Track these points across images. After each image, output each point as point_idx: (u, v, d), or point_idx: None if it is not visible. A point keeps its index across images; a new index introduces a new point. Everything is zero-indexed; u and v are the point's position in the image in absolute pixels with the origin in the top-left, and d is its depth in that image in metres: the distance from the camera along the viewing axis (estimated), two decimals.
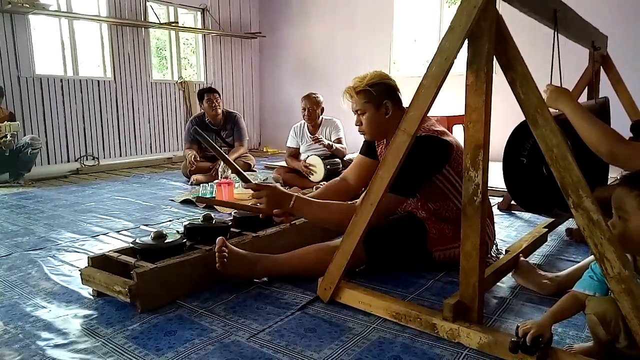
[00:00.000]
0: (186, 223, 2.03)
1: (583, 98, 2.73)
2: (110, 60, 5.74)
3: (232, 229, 2.09)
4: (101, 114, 5.67)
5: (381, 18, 6.26)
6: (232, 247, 1.81)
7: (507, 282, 1.87)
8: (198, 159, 4.33)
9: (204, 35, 6.79)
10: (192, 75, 7.18)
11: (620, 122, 2.24)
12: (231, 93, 7.27)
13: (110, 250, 1.84)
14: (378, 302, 1.57)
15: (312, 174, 3.96)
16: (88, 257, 1.79)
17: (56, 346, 1.40)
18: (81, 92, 5.46)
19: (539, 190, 1.80)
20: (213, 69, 6.96)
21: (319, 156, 3.98)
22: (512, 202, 3.02)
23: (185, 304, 1.68)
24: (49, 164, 5.21)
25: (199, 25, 6.75)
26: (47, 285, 1.89)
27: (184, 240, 1.86)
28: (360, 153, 2.32)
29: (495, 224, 2.18)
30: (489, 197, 2.48)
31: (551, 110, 1.34)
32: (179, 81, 6.54)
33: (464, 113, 1.39)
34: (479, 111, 1.35)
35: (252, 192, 1.86)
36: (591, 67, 2.65)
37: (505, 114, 2.64)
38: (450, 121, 4.29)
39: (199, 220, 2.04)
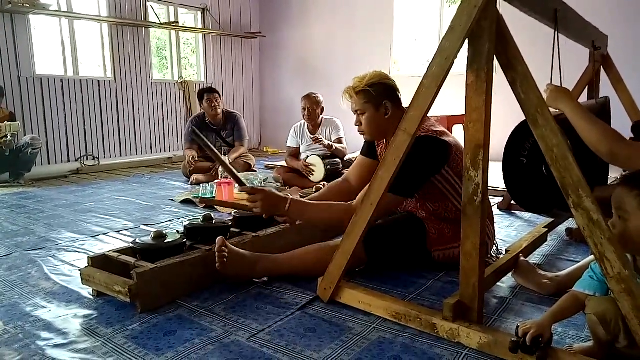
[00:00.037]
0: (186, 223, 2.03)
1: (583, 98, 2.73)
2: (111, 60, 5.74)
3: (232, 229, 2.09)
4: (101, 114, 5.67)
5: (381, 18, 6.26)
6: (232, 247, 1.81)
7: (507, 282, 1.87)
8: (197, 159, 4.33)
9: (204, 35, 6.79)
10: (192, 75, 7.18)
11: (621, 122, 2.24)
12: (231, 93, 7.28)
13: (110, 250, 1.84)
14: (378, 302, 1.57)
15: (312, 174, 3.96)
16: (88, 257, 1.79)
17: (56, 346, 1.40)
18: (81, 92, 5.46)
19: (539, 190, 1.80)
20: (213, 69, 6.96)
21: (319, 156, 3.98)
22: (512, 202, 3.02)
23: (185, 304, 1.68)
24: (49, 163, 5.21)
25: (199, 25, 6.75)
26: (47, 285, 1.89)
27: (184, 240, 1.86)
28: (361, 154, 2.33)
29: (495, 224, 2.18)
30: (489, 197, 2.47)
31: (551, 110, 1.34)
32: (179, 81, 6.54)
33: (464, 113, 1.39)
34: (479, 111, 1.35)
35: (251, 195, 1.84)
36: (591, 66, 2.65)
37: (506, 114, 2.64)
38: (451, 121, 4.29)
39: (199, 220, 2.04)
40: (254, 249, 1.92)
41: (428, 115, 1.53)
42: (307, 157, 4.07)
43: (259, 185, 3.64)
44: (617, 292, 1.14)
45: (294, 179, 4.01)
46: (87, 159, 5.49)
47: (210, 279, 1.82)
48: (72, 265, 2.11)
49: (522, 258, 1.91)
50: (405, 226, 1.96)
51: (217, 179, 3.38)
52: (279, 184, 3.86)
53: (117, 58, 5.77)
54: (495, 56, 1.34)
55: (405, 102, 1.73)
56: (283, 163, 4.51)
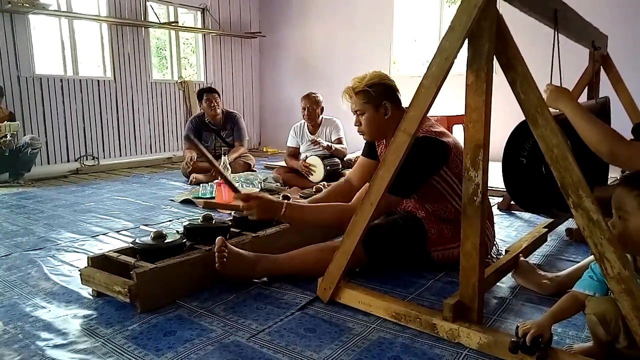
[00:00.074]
0: (186, 223, 2.03)
1: (583, 98, 2.73)
2: (110, 60, 5.74)
3: (231, 229, 2.09)
4: (101, 114, 5.67)
5: (381, 18, 6.26)
6: (232, 247, 1.81)
7: (507, 282, 1.87)
8: (196, 159, 4.32)
9: (204, 35, 6.79)
10: (192, 75, 7.18)
11: (620, 122, 2.24)
12: (231, 93, 7.27)
13: (110, 250, 1.83)
14: (378, 302, 1.57)
15: (312, 174, 3.96)
16: (88, 257, 1.79)
17: (56, 346, 1.40)
18: (81, 92, 5.46)
19: (538, 191, 1.80)
20: (213, 68, 6.96)
21: (318, 156, 3.98)
22: (512, 202, 3.02)
23: (185, 304, 1.67)
24: (48, 164, 5.21)
25: (199, 25, 6.75)
26: (47, 285, 1.89)
27: (184, 241, 1.86)
28: (362, 155, 2.35)
29: (495, 224, 2.18)
30: (489, 197, 2.47)
31: (551, 110, 1.34)
32: (179, 81, 6.54)
33: (464, 113, 1.39)
34: (479, 111, 1.35)
35: (246, 201, 1.83)
36: (591, 66, 2.65)
37: (506, 114, 2.64)
38: (451, 121, 4.29)
39: (199, 220, 2.03)
40: (254, 249, 1.92)
41: (428, 115, 1.53)
42: (307, 157, 4.07)
43: (259, 185, 3.64)
44: (617, 292, 1.14)
45: (294, 179, 4.01)
46: (86, 159, 5.49)
47: (210, 279, 1.82)
48: (71, 265, 2.11)
49: (522, 258, 1.91)
50: (404, 226, 1.96)
51: (217, 178, 3.38)
52: (278, 184, 3.86)
53: (117, 58, 5.76)
54: (495, 56, 1.34)
55: (405, 102, 1.73)
56: (283, 163, 4.51)
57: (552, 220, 2.52)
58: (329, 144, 4.02)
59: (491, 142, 1.38)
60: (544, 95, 1.46)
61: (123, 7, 5.75)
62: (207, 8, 6.72)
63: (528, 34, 2.75)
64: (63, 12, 5.22)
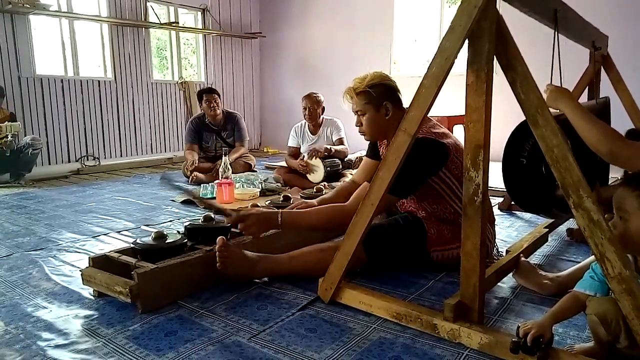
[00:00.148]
0: (187, 223, 2.03)
1: (584, 98, 2.73)
2: (111, 61, 5.74)
3: (232, 229, 2.09)
4: (102, 114, 5.68)
5: (381, 18, 6.26)
6: (233, 247, 1.81)
7: (507, 282, 1.87)
8: (197, 164, 4.31)
9: (205, 35, 6.79)
10: (192, 75, 7.18)
11: (621, 122, 2.24)
12: (231, 93, 7.28)
13: (111, 251, 1.84)
14: (379, 303, 1.57)
15: (313, 173, 3.96)
16: (89, 257, 1.80)
17: (57, 346, 1.40)
18: (82, 92, 5.47)
19: (538, 191, 1.80)
20: (213, 69, 6.96)
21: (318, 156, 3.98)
22: (513, 202, 3.02)
23: (186, 304, 1.68)
24: (49, 164, 5.21)
25: (200, 26, 6.75)
26: (48, 285, 1.89)
27: (185, 241, 1.86)
28: (366, 156, 2.37)
29: (496, 225, 2.18)
30: (490, 197, 2.47)
31: (551, 110, 1.34)
32: (179, 81, 6.54)
33: (464, 113, 1.39)
34: (479, 111, 1.35)
35: (239, 224, 1.84)
36: (592, 67, 2.65)
37: (506, 114, 2.64)
38: (451, 121, 4.29)
39: (200, 220, 2.04)
40: (255, 249, 1.93)
41: (429, 115, 1.53)
42: (305, 156, 4.08)
43: (260, 185, 3.64)
44: (618, 293, 1.14)
45: (294, 179, 4.01)
46: (87, 159, 5.50)
47: (210, 280, 1.82)
48: (72, 265, 2.12)
49: (522, 258, 1.91)
50: (405, 226, 1.97)
51: (218, 178, 3.38)
52: (279, 184, 3.86)
53: (118, 58, 5.77)
54: (495, 56, 1.34)
55: (406, 102, 1.73)
56: (283, 163, 4.51)
57: (553, 220, 2.52)
58: (328, 147, 4.01)
59: (491, 142, 1.39)
60: (544, 96, 1.46)
61: (123, 8, 5.76)
62: (208, 8, 6.72)
63: (528, 34, 2.75)
64: (63, 12, 5.23)
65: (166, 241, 1.80)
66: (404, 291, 1.80)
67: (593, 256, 1.21)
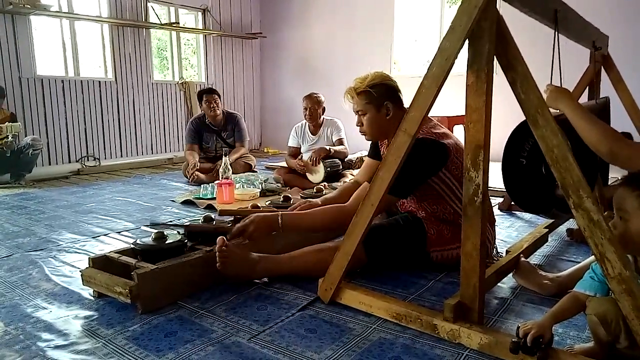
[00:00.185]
0: (187, 223, 2.03)
1: (584, 98, 2.72)
2: (112, 61, 5.74)
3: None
4: (102, 115, 5.68)
5: (381, 18, 6.26)
6: (233, 247, 1.81)
7: (507, 282, 1.87)
8: (198, 166, 4.30)
9: (205, 35, 6.80)
10: (193, 75, 7.18)
11: (621, 122, 2.24)
12: (232, 93, 7.28)
13: (111, 251, 1.84)
14: (378, 303, 1.57)
15: (312, 173, 3.96)
16: (89, 258, 1.80)
17: (57, 347, 1.40)
18: (82, 92, 5.47)
19: (538, 191, 1.80)
20: (214, 69, 6.96)
21: None
22: (513, 202, 3.02)
23: (185, 304, 1.68)
24: (50, 164, 5.22)
25: (200, 26, 6.76)
26: (48, 286, 1.89)
27: (185, 241, 1.86)
28: (368, 156, 2.38)
29: (496, 225, 2.18)
30: (490, 197, 2.47)
31: (551, 110, 1.34)
32: (179, 82, 6.54)
33: (464, 113, 1.39)
34: (479, 111, 1.35)
35: (242, 231, 1.87)
36: (592, 67, 2.65)
37: (506, 114, 2.64)
38: (451, 121, 4.29)
39: (200, 221, 2.04)
40: (255, 249, 1.93)
41: (429, 116, 1.53)
42: (307, 156, 4.08)
43: (260, 185, 3.64)
44: (618, 293, 1.14)
45: (295, 179, 4.01)
46: (87, 160, 5.50)
47: (210, 280, 1.82)
48: (72, 266, 2.11)
49: (522, 258, 1.91)
50: (404, 226, 1.97)
51: (218, 179, 3.38)
52: (279, 184, 3.86)
53: (118, 59, 5.77)
54: (495, 57, 1.34)
55: (406, 102, 1.73)
56: (284, 164, 4.51)
57: (553, 220, 2.52)
58: (327, 147, 4.01)
59: (491, 143, 1.38)
60: (544, 96, 1.46)
61: (124, 8, 5.76)
62: (208, 9, 6.72)
63: (528, 34, 2.75)
64: (64, 13, 5.23)
65: (166, 242, 1.79)
66: (404, 291, 1.80)
67: (593, 256, 1.21)
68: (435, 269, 1.97)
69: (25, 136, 4.69)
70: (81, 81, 5.46)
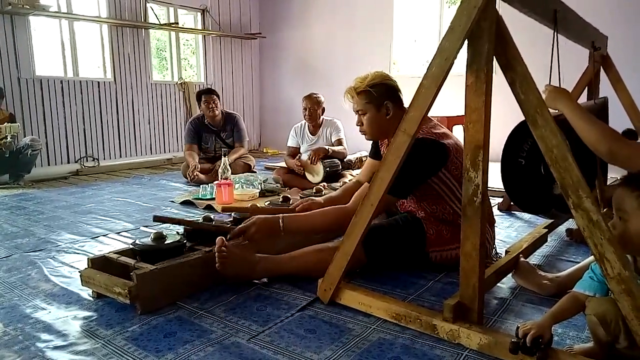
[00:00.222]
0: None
1: (583, 98, 2.72)
2: (111, 61, 5.74)
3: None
4: (101, 115, 5.67)
5: (381, 18, 6.26)
6: (232, 247, 1.81)
7: (507, 282, 1.87)
8: (199, 168, 4.29)
9: (204, 36, 6.79)
10: (192, 76, 7.18)
11: (620, 122, 2.24)
12: (231, 94, 7.28)
13: (110, 252, 1.83)
14: (378, 303, 1.57)
15: (311, 173, 3.96)
16: (88, 258, 1.80)
17: (56, 348, 1.40)
18: (81, 93, 5.46)
19: (537, 191, 1.80)
20: (213, 69, 6.96)
21: None
22: (512, 202, 3.02)
23: (185, 305, 1.67)
24: (49, 165, 5.21)
25: (199, 26, 6.75)
26: (47, 286, 1.89)
27: (184, 242, 1.86)
28: (369, 156, 2.38)
29: (495, 225, 2.18)
30: (489, 197, 2.47)
31: (550, 110, 1.34)
32: (179, 82, 6.54)
33: (464, 113, 1.39)
34: (478, 112, 1.35)
35: (244, 233, 1.87)
36: (591, 67, 2.65)
37: (505, 114, 2.64)
38: (451, 122, 4.29)
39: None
40: (254, 249, 1.92)
41: (428, 116, 1.53)
42: (306, 156, 4.08)
43: (259, 186, 3.64)
44: (617, 293, 1.14)
45: (294, 179, 4.01)
46: (86, 160, 5.49)
47: (210, 280, 1.82)
48: (71, 266, 2.11)
49: (522, 259, 1.91)
50: (404, 227, 1.97)
51: (217, 179, 3.38)
52: (278, 184, 3.86)
53: (117, 59, 5.76)
54: (494, 57, 1.34)
55: (405, 102, 1.73)
56: (283, 164, 4.51)
57: (552, 220, 2.52)
58: (326, 147, 4.01)
59: (491, 143, 1.38)
60: (543, 96, 1.46)
61: (123, 8, 5.76)
62: (207, 9, 6.72)
63: (528, 34, 2.75)
64: (63, 13, 5.23)
65: (165, 242, 1.79)
66: (403, 292, 1.79)
67: (592, 256, 1.21)
68: (435, 269, 1.97)
69: (24, 137, 4.68)
70: (80, 82, 5.46)
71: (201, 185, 3.73)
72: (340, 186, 2.86)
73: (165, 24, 6.26)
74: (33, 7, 4.77)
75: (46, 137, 5.19)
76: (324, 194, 2.69)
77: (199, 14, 6.76)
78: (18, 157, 4.35)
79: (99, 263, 1.77)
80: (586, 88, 2.71)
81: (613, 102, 2.54)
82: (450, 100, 3.17)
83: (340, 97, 2.07)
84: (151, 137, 6.23)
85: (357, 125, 2.08)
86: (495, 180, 1.82)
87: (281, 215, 1.92)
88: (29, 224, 2.91)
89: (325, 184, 3.54)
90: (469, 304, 1.42)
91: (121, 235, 2.65)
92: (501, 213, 3.08)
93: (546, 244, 2.35)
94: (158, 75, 8.25)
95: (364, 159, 4.44)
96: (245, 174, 4.14)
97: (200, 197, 3.50)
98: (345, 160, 4.19)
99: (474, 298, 1.41)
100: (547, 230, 2.37)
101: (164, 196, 3.78)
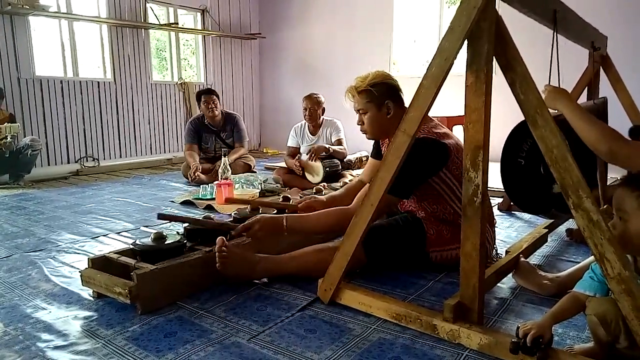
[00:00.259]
0: (186, 224, 2.03)
1: (583, 98, 2.73)
2: (110, 62, 5.74)
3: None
4: (101, 115, 5.67)
5: (381, 18, 6.26)
6: (232, 247, 1.81)
7: (507, 282, 1.87)
8: (200, 169, 4.29)
9: (204, 36, 6.79)
10: (192, 76, 7.18)
11: (620, 122, 2.24)
12: (231, 94, 7.27)
13: (111, 252, 1.84)
14: (378, 303, 1.57)
15: (311, 173, 3.96)
16: (88, 258, 1.80)
17: (56, 348, 1.40)
18: (81, 93, 5.46)
19: (536, 191, 1.80)
20: (213, 70, 6.96)
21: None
22: (512, 202, 3.02)
23: (185, 305, 1.67)
24: (49, 165, 5.21)
25: (199, 27, 6.75)
26: (47, 286, 1.89)
27: (184, 242, 1.86)
28: (371, 156, 2.39)
29: (495, 226, 2.18)
30: (489, 197, 2.47)
31: (550, 110, 1.34)
32: (179, 82, 6.54)
33: (463, 114, 1.39)
34: (478, 112, 1.35)
35: (247, 230, 1.89)
36: (591, 67, 2.65)
37: (505, 115, 2.64)
38: (451, 122, 4.29)
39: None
40: (254, 249, 1.93)
41: (429, 116, 1.53)
42: (305, 157, 4.08)
43: (260, 186, 3.64)
44: (618, 293, 1.14)
45: (294, 179, 4.01)
46: (86, 161, 5.49)
47: (210, 280, 1.82)
48: (72, 266, 2.11)
49: (522, 259, 1.91)
50: (404, 227, 1.97)
51: (217, 179, 3.38)
52: (278, 184, 3.86)
53: (117, 59, 5.76)
54: (494, 57, 1.35)
55: (405, 102, 1.73)
56: (283, 164, 4.51)
57: (552, 220, 2.52)
58: (326, 146, 4.01)
59: (491, 143, 1.39)
60: (543, 96, 1.46)
61: (123, 9, 5.76)
62: (207, 9, 6.72)
63: (527, 34, 2.75)
64: (63, 13, 5.22)
65: (165, 242, 1.79)
66: (404, 292, 1.80)
67: (592, 256, 1.21)
68: (435, 269, 1.97)
69: (24, 137, 4.68)
70: (80, 82, 5.45)
71: (201, 185, 3.74)
72: (341, 186, 2.87)
73: (165, 24, 6.26)
74: (33, 7, 4.77)
75: (46, 137, 5.19)
76: (324, 194, 2.69)
77: (198, 14, 6.76)
78: (18, 157, 4.35)
79: (99, 263, 1.77)
80: (586, 88, 2.72)
81: (613, 102, 2.54)
82: (450, 100, 3.18)
83: (340, 97, 2.08)
84: (151, 137, 6.22)
85: (357, 124, 2.09)
86: (495, 180, 1.82)
87: (285, 215, 1.93)
88: (29, 224, 2.91)
89: (325, 184, 3.54)
90: (469, 304, 1.42)
91: (121, 235, 2.65)
92: (501, 213, 3.08)
93: (546, 244, 2.35)
94: (158, 76, 8.25)
95: (364, 159, 4.45)
96: (245, 174, 4.14)
97: (200, 197, 3.50)
98: (345, 160, 4.19)
99: (474, 298, 1.41)
100: (547, 230, 2.37)
101: (164, 196, 3.78)
